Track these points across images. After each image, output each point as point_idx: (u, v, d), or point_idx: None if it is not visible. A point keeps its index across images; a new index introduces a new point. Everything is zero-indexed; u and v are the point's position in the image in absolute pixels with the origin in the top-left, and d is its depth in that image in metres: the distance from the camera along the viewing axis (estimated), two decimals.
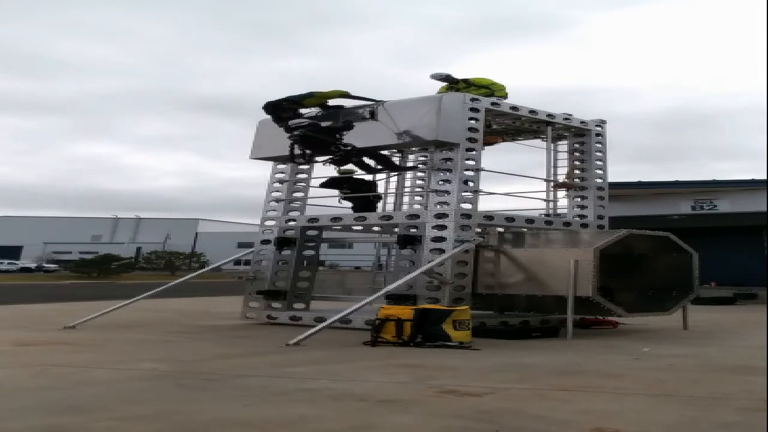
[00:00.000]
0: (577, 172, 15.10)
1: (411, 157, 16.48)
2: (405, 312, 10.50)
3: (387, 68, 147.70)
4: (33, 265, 66.87)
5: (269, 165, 15.07)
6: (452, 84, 14.18)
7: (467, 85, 14.06)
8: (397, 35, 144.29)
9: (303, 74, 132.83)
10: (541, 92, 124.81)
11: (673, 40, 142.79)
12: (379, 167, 14.27)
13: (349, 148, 13.16)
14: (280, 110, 13.63)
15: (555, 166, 15.16)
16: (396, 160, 16.27)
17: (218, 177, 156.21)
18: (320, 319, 11.83)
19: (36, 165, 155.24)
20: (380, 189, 15.70)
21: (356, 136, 13.35)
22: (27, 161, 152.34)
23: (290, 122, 13.18)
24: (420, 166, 16.10)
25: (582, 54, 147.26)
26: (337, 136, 13.25)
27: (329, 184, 14.67)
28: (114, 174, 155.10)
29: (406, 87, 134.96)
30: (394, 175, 16.20)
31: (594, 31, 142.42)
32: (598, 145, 15.22)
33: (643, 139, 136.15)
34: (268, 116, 13.99)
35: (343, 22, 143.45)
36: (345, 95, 13.86)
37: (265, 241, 14.56)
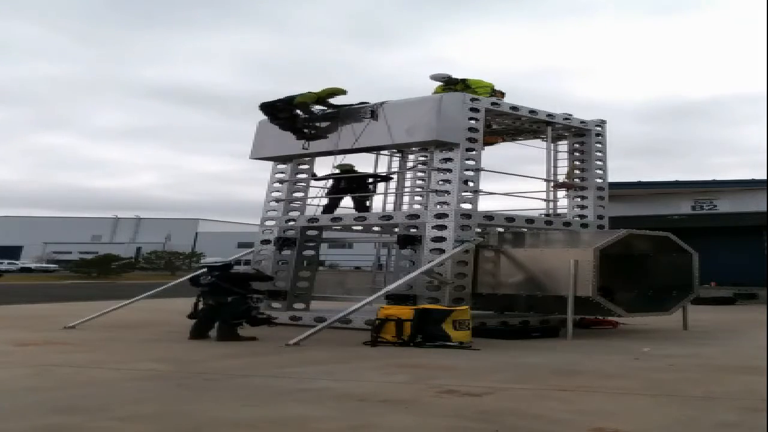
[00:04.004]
0: (577, 172, 15.10)
1: (411, 157, 16.49)
2: (405, 312, 10.51)
3: (340, 44, 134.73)
4: (32, 265, 66.78)
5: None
6: (450, 85, 14.17)
7: (465, 86, 14.04)
8: (350, 5, 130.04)
9: (256, 53, 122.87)
10: (511, 73, 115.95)
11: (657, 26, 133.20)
12: None
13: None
14: (276, 110, 13.88)
15: (555, 166, 15.17)
16: (396, 159, 16.35)
17: (198, 172, 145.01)
18: (320, 319, 11.84)
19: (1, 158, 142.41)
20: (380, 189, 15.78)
21: (357, 137, 13.39)
22: None
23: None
24: (420, 166, 16.11)
25: (557, 31, 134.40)
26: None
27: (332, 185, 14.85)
28: (89, 170, 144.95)
29: (363, 66, 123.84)
30: (394, 174, 16.21)
31: (572, 6, 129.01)
32: (598, 145, 15.22)
33: (632, 132, 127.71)
34: (267, 116, 14.18)
35: None
36: (341, 92, 13.96)
37: (265, 241, 14.56)
